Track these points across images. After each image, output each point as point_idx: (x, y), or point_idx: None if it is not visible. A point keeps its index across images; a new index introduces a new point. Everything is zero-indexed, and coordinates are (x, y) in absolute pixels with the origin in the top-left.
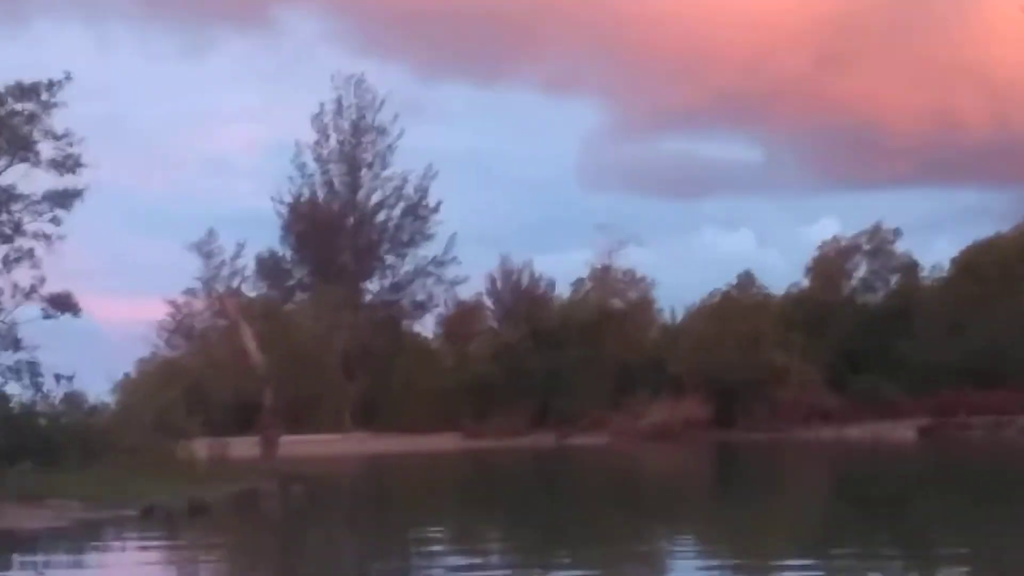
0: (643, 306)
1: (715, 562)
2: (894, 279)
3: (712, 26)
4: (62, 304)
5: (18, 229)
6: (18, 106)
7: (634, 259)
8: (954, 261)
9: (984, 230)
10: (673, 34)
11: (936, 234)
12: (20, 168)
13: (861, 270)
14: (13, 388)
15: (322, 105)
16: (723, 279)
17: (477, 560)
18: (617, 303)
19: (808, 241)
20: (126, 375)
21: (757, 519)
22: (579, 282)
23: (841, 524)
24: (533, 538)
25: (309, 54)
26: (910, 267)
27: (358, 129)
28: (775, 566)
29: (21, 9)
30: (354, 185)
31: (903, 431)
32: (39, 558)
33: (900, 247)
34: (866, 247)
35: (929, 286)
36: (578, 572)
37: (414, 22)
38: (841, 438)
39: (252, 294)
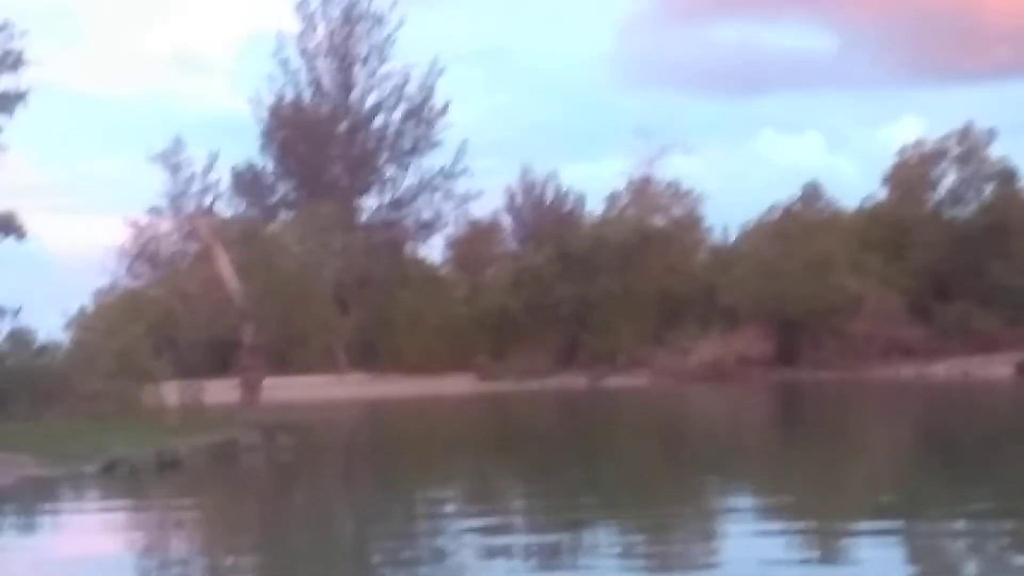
0: (690, 225)
1: (778, 525)
2: (988, 189)
3: None
4: (4, 226)
5: None
6: None
7: (679, 169)
8: None
9: None
10: None
11: None
12: None
13: (949, 179)
14: None
15: None
16: (785, 192)
17: (495, 522)
18: (659, 221)
19: (886, 145)
20: (82, 309)
21: (826, 474)
22: (614, 197)
23: (926, 479)
24: (562, 497)
25: None
26: (1007, 175)
27: (350, 17)
28: (847, 530)
29: None
30: (346, 84)
31: (998, 367)
32: None
33: (996, 152)
34: (955, 152)
35: None
36: (615, 537)
37: None
38: (925, 376)
39: (228, 213)
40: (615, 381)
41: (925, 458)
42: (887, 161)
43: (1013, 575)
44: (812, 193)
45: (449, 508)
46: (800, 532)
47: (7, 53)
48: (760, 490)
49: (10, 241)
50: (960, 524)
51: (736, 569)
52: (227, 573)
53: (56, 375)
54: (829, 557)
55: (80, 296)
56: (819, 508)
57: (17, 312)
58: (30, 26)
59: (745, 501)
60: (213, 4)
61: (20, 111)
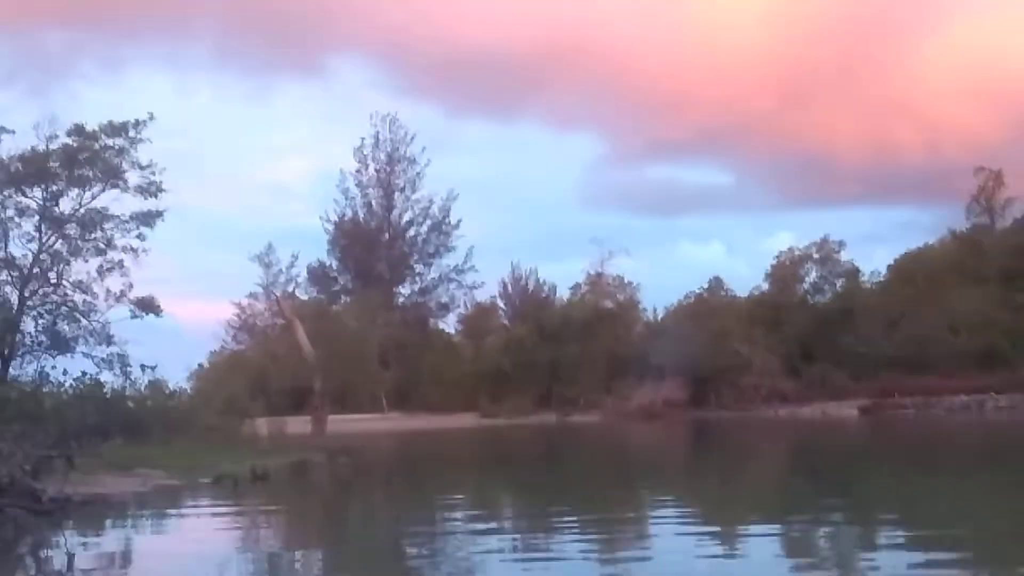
0: (630, 307)
1: (691, 528)
2: (839, 283)
3: (694, 71)
4: (146, 306)
5: (110, 244)
6: (110, 141)
7: (623, 267)
8: (890, 268)
9: (915, 242)
10: (660, 78)
11: (875, 245)
12: (111, 193)
13: (812, 276)
14: (107, 376)
15: (363, 139)
16: (697, 284)
17: (493, 524)
18: (608, 304)
19: (768, 251)
20: (200, 365)
21: (726, 486)
22: (576, 287)
23: (796, 490)
24: (540, 504)
25: (354, 96)
26: (853, 273)
27: (392, 159)
28: (742, 532)
29: (114, 59)
30: (389, 206)
31: (847, 410)
32: (128, 519)
33: (844, 256)
34: (816, 256)
35: (869, 289)
36: (574, 535)
37: (443, 69)
38: (794, 416)
39: (304, 297)
40: (577, 418)
41: (796, 476)
42: (768, 262)
43: (860, 566)
44: (716, 285)
45: (458, 512)
46: (708, 533)
47: (151, 184)
48: (680, 499)
49: (150, 317)
50: (823, 528)
51: (664, 558)
52: (300, 559)
53: (181, 413)
54: (729, 551)
55: (199, 356)
56: (721, 514)
57: (154, 368)
58: (167, 164)
59: (669, 508)
60: (297, 150)
61: (159, 225)
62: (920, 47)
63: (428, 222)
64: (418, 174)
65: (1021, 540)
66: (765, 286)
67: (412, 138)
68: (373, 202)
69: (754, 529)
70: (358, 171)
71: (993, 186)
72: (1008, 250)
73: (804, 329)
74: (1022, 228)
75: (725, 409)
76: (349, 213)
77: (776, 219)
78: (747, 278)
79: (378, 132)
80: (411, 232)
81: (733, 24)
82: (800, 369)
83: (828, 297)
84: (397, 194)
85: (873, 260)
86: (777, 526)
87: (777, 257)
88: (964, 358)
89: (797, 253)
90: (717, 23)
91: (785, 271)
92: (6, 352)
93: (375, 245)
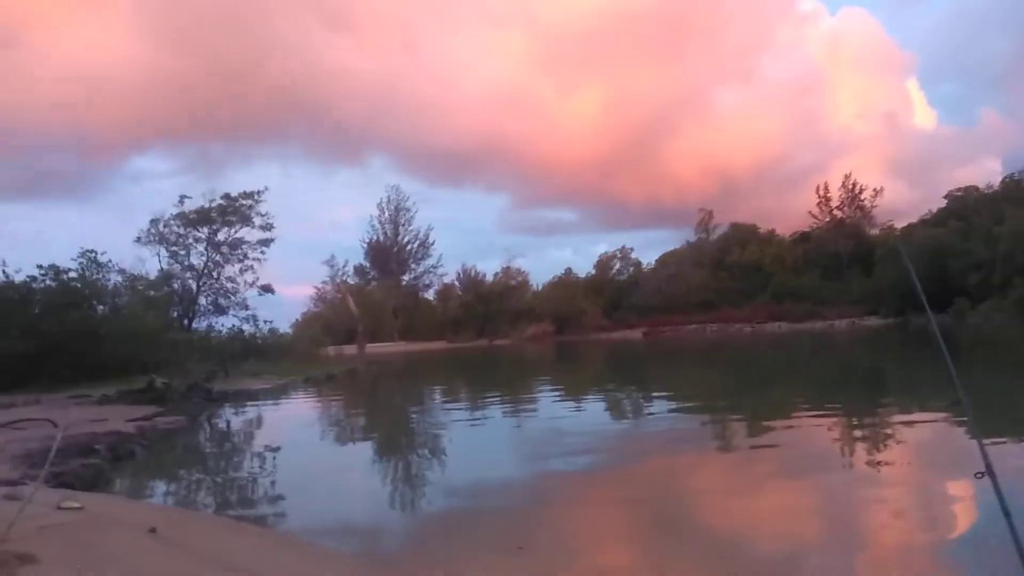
0: (524, 284)
1: (557, 395)
2: (631, 269)
3: (557, 159)
4: (267, 289)
5: (246, 256)
6: (244, 201)
7: (520, 264)
8: (657, 261)
9: (670, 247)
10: (540, 164)
11: (649, 249)
12: (245, 229)
13: (617, 266)
14: (245, 327)
15: (382, 198)
16: (558, 271)
17: (457, 404)
18: (513, 283)
19: (594, 254)
20: (296, 319)
21: (574, 375)
22: (496, 274)
23: (608, 375)
24: (481, 392)
25: (377, 175)
26: (637, 264)
27: (398, 208)
28: (583, 398)
29: (247, 156)
30: (396, 233)
31: (636, 334)
32: (259, 402)
33: (633, 255)
34: (619, 256)
35: (645, 272)
36: (498, 406)
37: (426, 159)
38: (609, 338)
39: (352, 282)
40: (496, 343)
41: (608, 367)
42: (593, 260)
43: (643, 411)
44: (568, 272)
45: (435, 395)
46: (568, 399)
47: (267, 223)
48: (551, 383)
49: (269, 295)
50: (623, 395)
51: (544, 414)
52: (353, 419)
53: (287, 344)
54: (577, 409)
55: (295, 314)
56: (572, 389)
57: (271, 322)
58: (276, 213)
59: (546, 388)
60: (348, 204)
61: (272, 246)
62: (672, 145)
63: (417, 241)
64: (411, 216)
65: (723, 394)
66: (593, 271)
67: (408, 197)
68: (388, 231)
69: (590, 396)
70: (379, 215)
71: (707, 218)
72: (715, 251)
73: (613, 293)
74: (723, 241)
75: (573, 335)
76: (375, 238)
77: (599, 236)
78: (584, 268)
79: (390, 194)
80: (408, 247)
81: (575, 137)
82: (611, 313)
83: (624, 276)
84: (400, 227)
85: (647, 256)
86: (601, 394)
87: (599, 257)
88: (695, 305)
89: (609, 254)
90: (569, 135)
91: (603, 264)
92: (189, 315)
93: (389, 254)
